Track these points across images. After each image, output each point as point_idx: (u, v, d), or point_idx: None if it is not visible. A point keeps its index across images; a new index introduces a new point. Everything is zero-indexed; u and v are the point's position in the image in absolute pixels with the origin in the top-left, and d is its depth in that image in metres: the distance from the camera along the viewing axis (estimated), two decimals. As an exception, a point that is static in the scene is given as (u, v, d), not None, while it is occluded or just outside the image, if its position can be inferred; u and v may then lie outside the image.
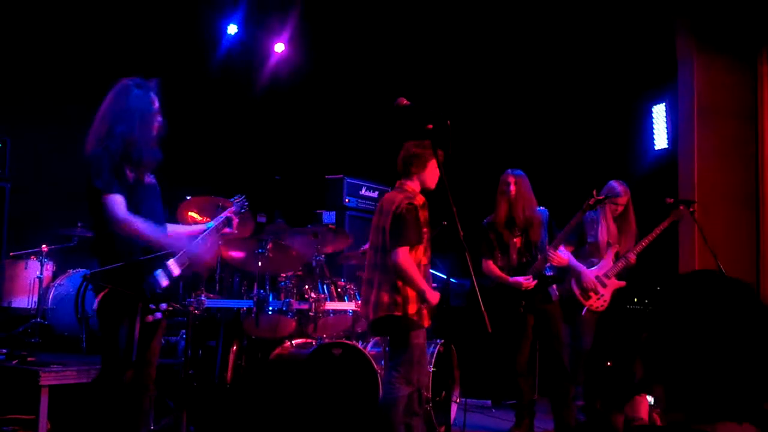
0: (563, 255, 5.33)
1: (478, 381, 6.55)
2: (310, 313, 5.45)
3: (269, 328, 5.48)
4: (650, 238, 5.60)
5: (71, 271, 6.68)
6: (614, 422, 5.00)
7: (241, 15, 8.41)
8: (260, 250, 5.43)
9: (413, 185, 4.52)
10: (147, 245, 3.67)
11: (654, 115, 7.45)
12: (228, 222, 4.25)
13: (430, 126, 3.94)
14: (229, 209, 4.41)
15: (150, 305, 3.63)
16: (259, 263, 5.46)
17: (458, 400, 5.79)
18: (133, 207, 3.69)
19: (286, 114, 8.94)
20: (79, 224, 6.55)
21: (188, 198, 5.64)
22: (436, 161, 4.39)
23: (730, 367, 1.38)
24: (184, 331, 5.59)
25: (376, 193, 8.01)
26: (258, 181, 8.02)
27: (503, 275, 5.38)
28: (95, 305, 3.65)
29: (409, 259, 4.28)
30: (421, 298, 4.32)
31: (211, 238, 4.14)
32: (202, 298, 5.20)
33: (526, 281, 5.28)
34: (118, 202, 3.62)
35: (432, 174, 4.54)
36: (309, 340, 5.49)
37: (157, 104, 4.05)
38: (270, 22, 8.61)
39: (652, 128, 7.46)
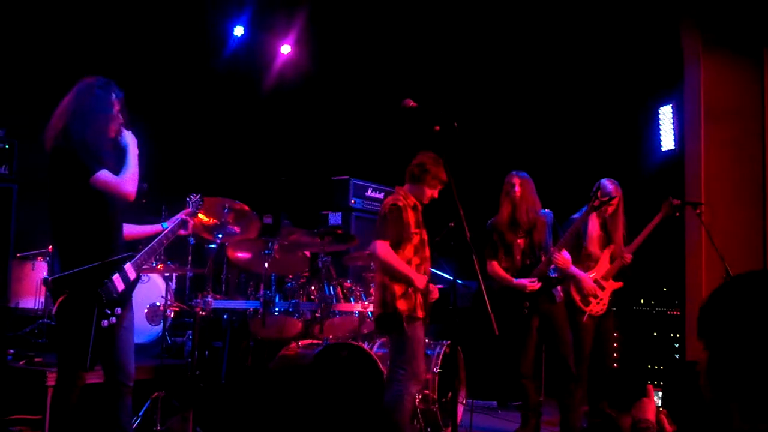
0: (567, 257, 5.32)
1: (484, 382, 6.54)
2: (317, 314, 5.45)
3: (276, 329, 5.49)
4: (644, 235, 5.59)
5: (78, 271, 6.69)
6: (621, 425, 5.00)
7: (247, 17, 8.42)
8: (267, 251, 5.44)
9: (404, 190, 4.76)
10: (108, 245, 3.73)
11: (661, 116, 7.43)
12: (183, 224, 4.30)
13: (437, 128, 3.93)
14: (183, 211, 4.42)
15: (106, 310, 3.65)
16: (266, 264, 5.46)
17: (464, 402, 5.79)
18: (85, 207, 3.68)
19: (292, 115, 8.95)
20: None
21: (195, 199, 5.65)
22: (437, 186, 4.72)
23: None
24: (190, 331, 5.60)
25: (382, 194, 8.01)
26: (264, 182, 8.04)
27: (508, 276, 5.37)
28: (53, 310, 3.64)
29: (388, 249, 4.50)
30: (409, 286, 4.50)
31: (166, 240, 4.19)
32: (209, 299, 5.22)
33: (531, 283, 5.27)
34: (107, 173, 3.66)
35: (425, 194, 4.74)
36: (315, 341, 5.49)
37: (117, 106, 3.94)
38: (276, 23, 8.62)
39: (659, 129, 7.45)
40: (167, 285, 6.48)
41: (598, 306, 5.57)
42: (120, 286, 3.73)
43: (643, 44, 7.40)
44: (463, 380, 5.82)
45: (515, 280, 5.32)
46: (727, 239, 6.14)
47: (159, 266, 6.07)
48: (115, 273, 3.73)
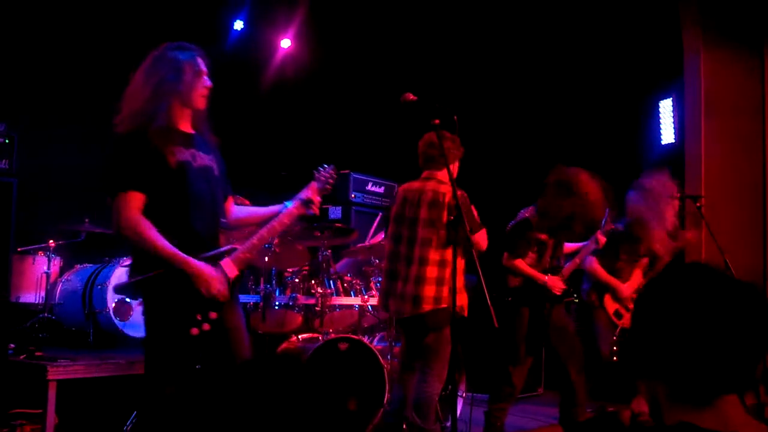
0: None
1: (483, 375, 6.55)
2: (317, 308, 5.46)
3: (276, 323, 5.49)
4: None
5: (78, 266, 6.71)
6: (621, 417, 4.99)
7: (247, 11, 8.41)
8: (267, 246, 5.44)
9: (444, 176, 4.39)
10: (191, 243, 3.17)
11: (661, 109, 7.43)
12: (305, 204, 3.55)
13: (437, 121, 3.92)
14: (309, 186, 3.62)
15: (197, 316, 3.14)
16: (266, 258, 5.47)
17: (464, 395, 5.79)
18: (167, 196, 3.19)
19: (292, 109, 8.94)
20: (87, 220, 6.57)
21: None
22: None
23: (725, 349, 1.38)
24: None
25: (383, 188, 8.01)
26: (264, 176, 8.04)
27: (538, 273, 5.12)
28: (144, 319, 3.16)
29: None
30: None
31: (280, 225, 3.50)
32: (209, 293, 5.21)
33: (560, 283, 5.19)
34: (129, 200, 3.12)
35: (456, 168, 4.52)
36: (315, 335, 5.50)
37: (204, 67, 3.48)
38: (276, 18, 8.61)
39: (659, 123, 7.45)
40: (167, 279, 6.48)
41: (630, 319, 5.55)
42: (214, 285, 3.17)
43: (643, 38, 7.39)
44: (462, 373, 5.83)
45: (547, 277, 5.12)
46: (726, 232, 6.14)
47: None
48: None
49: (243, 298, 5.62)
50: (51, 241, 6.45)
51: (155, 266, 3.09)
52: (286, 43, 8.74)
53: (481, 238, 4.36)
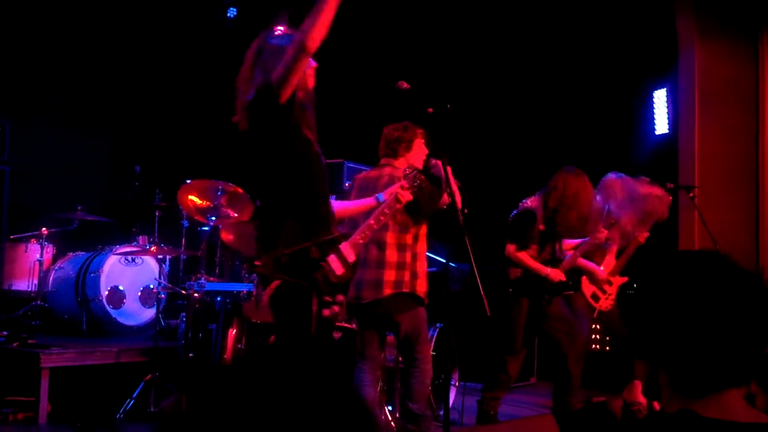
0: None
1: (475, 365, 6.56)
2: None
3: (268, 311, 5.47)
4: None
5: (71, 254, 6.69)
6: (612, 408, 5.00)
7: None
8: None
9: (400, 164, 4.49)
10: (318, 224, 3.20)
11: (655, 99, 7.43)
12: (398, 198, 3.75)
13: (431, 110, 3.91)
14: (399, 183, 3.86)
15: (326, 297, 3.17)
16: (259, 247, 5.45)
17: (457, 384, 5.81)
18: (304, 175, 3.24)
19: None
20: (80, 207, 6.56)
21: (188, 181, 5.65)
22: (422, 141, 4.51)
23: (730, 339, 1.37)
24: (184, 314, 5.60)
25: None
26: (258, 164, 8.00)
27: (541, 266, 5.12)
28: (264, 299, 3.16)
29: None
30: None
31: (384, 215, 3.67)
32: (202, 281, 5.21)
33: (561, 275, 5.19)
34: None
35: (419, 154, 4.56)
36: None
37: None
38: (270, 5, 8.56)
39: (653, 113, 7.45)
40: (161, 267, 6.48)
41: (606, 302, 5.60)
42: (339, 269, 3.21)
43: (638, 28, 7.38)
44: (455, 362, 5.84)
45: (549, 269, 5.11)
46: (719, 222, 6.16)
47: (152, 248, 6.06)
48: (330, 254, 3.22)
49: (236, 286, 5.62)
50: (44, 228, 6.44)
51: (288, 246, 3.09)
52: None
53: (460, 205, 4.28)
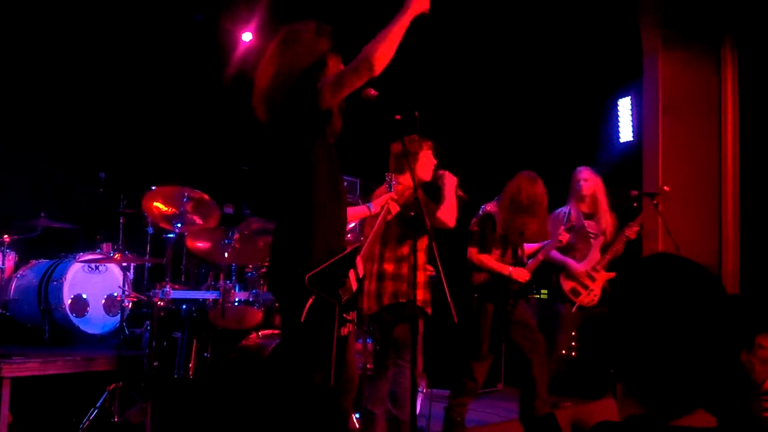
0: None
1: (443, 371, 6.57)
2: (277, 304, 5.42)
3: (235, 319, 5.45)
4: (639, 219, 5.71)
5: (34, 261, 6.59)
6: (559, 419, 5.03)
7: (208, 2, 8.32)
8: (226, 241, 5.40)
9: (404, 179, 4.55)
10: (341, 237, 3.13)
11: (620, 108, 7.53)
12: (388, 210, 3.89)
13: (398, 117, 3.93)
14: (387, 194, 3.98)
15: (344, 315, 3.03)
16: (225, 254, 5.42)
17: (424, 390, 5.81)
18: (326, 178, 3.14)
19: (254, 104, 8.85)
20: (43, 214, 6.46)
21: (153, 188, 5.59)
22: (429, 153, 4.67)
23: (691, 356, 1.34)
24: (148, 322, 5.55)
25: (345, 184, 7.97)
26: (225, 171, 7.97)
27: (504, 267, 5.16)
28: (302, 317, 2.90)
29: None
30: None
31: (379, 228, 3.81)
32: (167, 289, 5.16)
33: (526, 274, 5.21)
34: None
35: (427, 166, 4.69)
36: (276, 332, 5.47)
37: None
38: (237, 10, 8.53)
39: (618, 121, 7.54)
40: (125, 275, 6.39)
41: (588, 297, 5.63)
42: (354, 284, 3.11)
43: (603, 38, 7.46)
44: (423, 369, 5.84)
45: (510, 268, 5.15)
46: (683, 229, 6.24)
47: (116, 256, 5.99)
48: (350, 268, 3.11)
49: (202, 294, 5.58)
50: (6, 235, 6.33)
51: (320, 260, 2.95)
52: (247, 37, 8.66)
53: (444, 216, 4.48)
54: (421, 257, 4.49)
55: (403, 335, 4.47)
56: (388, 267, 4.48)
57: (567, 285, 5.68)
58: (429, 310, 4.59)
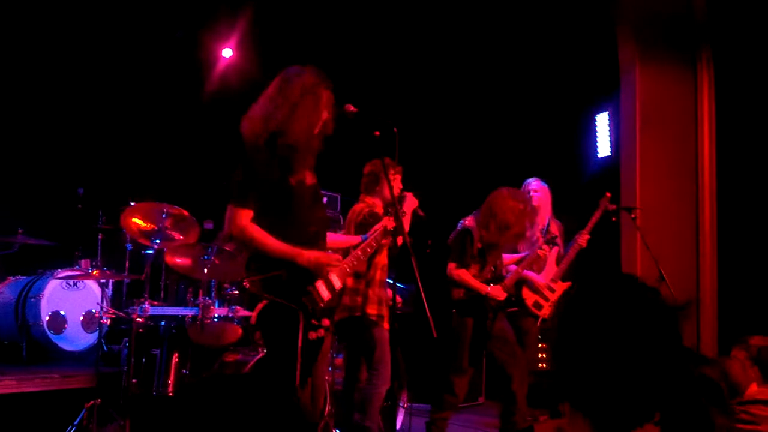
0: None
1: (424, 386, 6.57)
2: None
3: (214, 336, 5.41)
4: (590, 227, 5.73)
5: (11, 278, 6.53)
6: None
7: (187, 19, 8.32)
8: (206, 257, 5.38)
9: (372, 200, 4.96)
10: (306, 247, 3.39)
11: (597, 123, 7.60)
12: (387, 232, 4.04)
13: (377, 133, 3.95)
14: (387, 218, 4.17)
15: (312, 321, 3.35)
16: (205, 270, 5.39)
17: (405, 405, 5.80)
18: (273, 209, 3.40)
19: (235, 119, 8.84)
20: (20, 231, 6.40)
21: (132, 204, 5.56)
22: (391, 176, 4.68)
23: (635, 371, 1.36)
24: (127, 339, 5.50)
25: (325, 199, 7.97)
26: (205, 187, 7.95)
27: (481, 285, 5.16)
28: (252, 317, 3.35)
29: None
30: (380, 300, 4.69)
31: (370, 248, 3.90)
32: (146, 306, 5.12)
33: (502, 293, 5.24)
34: (240, 214, 3.37)
35: (386, 189, 4.81)
36: (256, 347, 5.44)
37: (325, 99, 3.66)
38: (217, 27, 8.54)
39: (596, 136, 7.61)
40: (103, 291, 6.36)
41: (549, 309, 5.65)
42: (326, 295, 3.42)
43: (581, 53, 7.54)
44: (404, 384, 5.84)
45: (489, 288, 5.16)
46: (661, 243, 6.29)
47: (94, 272, 5.95)
48: (318, 279, 3.42)
49: (181, 310, 5.54)
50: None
51: (275, 267, 3.30)
52: (227, 53, 8.67)
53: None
54: (378, 274, 4.71)
55: (367, 345, 4.66)
56: (347, 281, 4.54)
57: (530, 299, 5.69)
58: (386, 325, 4.70)
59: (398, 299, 4.60)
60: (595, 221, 5.72)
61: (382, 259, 4.79)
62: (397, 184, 4.87)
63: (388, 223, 4.09)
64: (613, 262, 6.87)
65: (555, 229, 5.91)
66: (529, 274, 5.66)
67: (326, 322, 3.41)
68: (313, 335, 3.34)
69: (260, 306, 3.31)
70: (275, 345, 3.43)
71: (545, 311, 5.64)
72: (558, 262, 5.77)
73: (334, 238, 4.08)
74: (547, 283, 5.69)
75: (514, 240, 5.29)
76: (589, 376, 1.39)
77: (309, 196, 3.58)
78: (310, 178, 3.62)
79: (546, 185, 5.98)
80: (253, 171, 3.40)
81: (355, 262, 3.73)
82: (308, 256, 3.35)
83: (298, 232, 3.42)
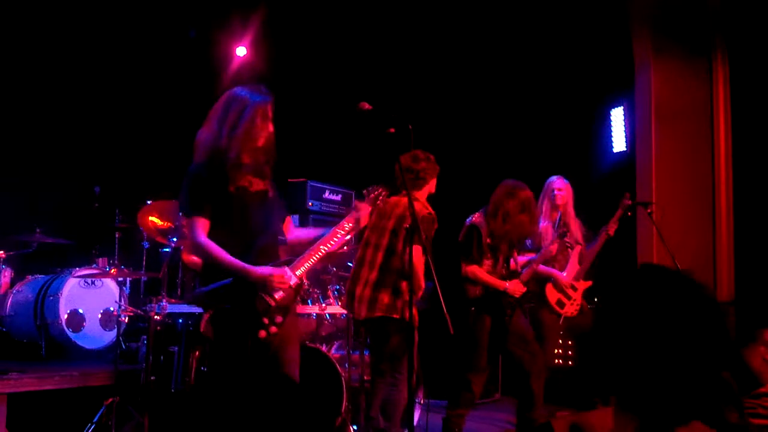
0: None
1: (440, 382, 6.57)
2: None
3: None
4: (616, 218, 5.73)
5: (30, 277, 6.58)
6: (555, 428, 5.04)
7: (201, 17, 8.35)
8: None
9: (421, 195, 4.74)
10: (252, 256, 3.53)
11: (612, 118, 7.56)
12: (357, 221, 3.94)
13: (392, 130, 3.96)
14: (358, 205, 4.02)
15: (263, 320, 3.50)
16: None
17: (422, 401, 5.81)
18: (225, 217, 3.56)
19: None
20: (38, 230, 6.46)
21: (149, 202, 5.60)
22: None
23: (683, 367, 1.34)
24: (145, 336, 5.54)
25: (340, 196, 7.99)
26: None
27: (497, 281, 5.16)
28: (201, 326, 3.60)
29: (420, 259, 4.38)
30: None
31: (337, 240, 3.83)
32: (163, 304, 5.16)
33: (521, 287, 5.23)
34: (198, 225, 3.53)
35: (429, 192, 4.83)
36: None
37: (269, 113, 3.75)
38: (232, 25, 8.57)
39: (611, 131, 7.58)
40: (121, 290, 6.40)
41: (572, 307, 5.65)
42: (278, 294, 3.56)
43: (595, 48, 7.51)
44: (420, 380, 5.84)
45: (507, 283, 5.15)
46: (677, 238, 6.27)
47: (112, 270, 5.99)
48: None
49: (198, 308, 5.57)
50: (1, 251, 6.33)
51: (224, 277, 3.48)
52: (241, 51, 8.69)
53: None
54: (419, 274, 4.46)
55: (398, 348, 4.50)
56: (389, 278, 4.53)
57: (553, 296, 5.68)
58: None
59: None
60: (618, 218, 5.74)
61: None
62: (433, 189, 4.88)
63: (353, 218, 3.94)
64: (629, 258, 6.85)
65: (577, 228, 5.88)
66: (553, 271, 5.65)
67: (279, 319, 3.54)
68: (263, 334, 3.49)
69: (206, 316, 3.56)
70: (222, 347, 3.61)
71: (567, 309, 5.64)
72: (580, 261, 5.76)
73: (298, 235, 4.00)
74: (570, 282, 5.68)
75: (522, 230, 5.21)
76: (637, 373, 1.38)
77: (255, 202, 3.68)
78: (257, 185, 3.71)
79: (569, 183, 5.93)
80: (200, 183, 3.60)
81: (315, 257, 3.73)
82: (259, 274, 3.49)
83: (240, 240, 3.57)
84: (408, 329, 4.34)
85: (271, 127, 3.73)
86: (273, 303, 3.53)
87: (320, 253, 3.73)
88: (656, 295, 1.41)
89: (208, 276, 3.56)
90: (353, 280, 4.71)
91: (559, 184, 5.92)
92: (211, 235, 3.54)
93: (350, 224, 3.84)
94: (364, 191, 4.04)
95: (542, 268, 5.66)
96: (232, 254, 3.49)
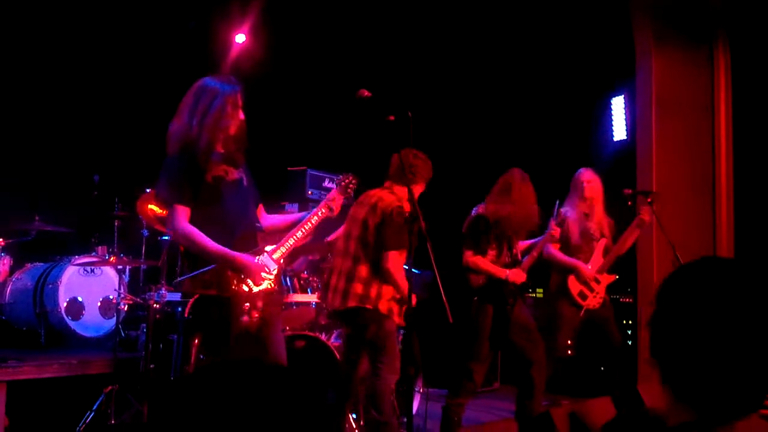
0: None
1: (439, 371, 6.59)
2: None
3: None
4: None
5: (29, 265, 6.58)
6: (555, 418, 5.03)
7: (200, 4, 8.32)
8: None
9: (402, 192, 4.59)
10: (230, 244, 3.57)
11: (613, 107, 7.55)
12: (330, 208, 4.01)
13: (392, 117, 3.94)
14: (332, 192, 4.08)
15: (245, 305, 3.57)
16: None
17: (421, 390, 5.82)
18: (203, 207, 3.60)
19: (247, 105, 8.85)
20: (37, 218, 6.44)
21: (148, 190, 5.58)
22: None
23: (747, 359, 1.32)
24: (144, 325, 5.54)
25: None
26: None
27: (499, 269, 5.15)
28: (186, 312, 3.60)
29: (398, 263, 4.42)
30: (400, 299, 4.50)
31: (310, 227, 3.92)
32: (163, 292, 5.16)
33: (521, 275, 5.22)
34: (179, 213, 3.56)
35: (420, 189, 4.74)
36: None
37: (239, 102, 3.86)
38: (231, 12, 8.53)
39: (612, 120, 7.56)
40: (120, 278, 6.40)
41: (594, 300, 5.63)
42: (259, 280, 3.65)
43: (596, 37, 7.49)
44: (420, 369, 5.85)
45: (508, 272, 5.14)
46: (677, 227, 6.26)
47: (111, 258, 5.98)
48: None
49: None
50: (0, 239, 6.31)
51: (206, 264, 3.53)
52: (240, 38, 8.66)
53: (385, 260, 4.44)
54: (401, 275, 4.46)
55: (375, 337, 4.50)
56: (362, 270, 4.50)
57: (575, 288, 5.65)
58: (396, 318, 4.58)
59: (414, 298, 4.42)
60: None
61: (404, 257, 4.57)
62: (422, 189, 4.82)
63: (325, 205, 4.00)
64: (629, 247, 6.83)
65: (605, 222, 5.83)
66: (578, 263, 5.63)
67: (259, 303, 3.61)
68: (246, 319, 3.57)
69: (191, 301, 3.58)
70: (206, 332, 3.72)
71: (590, 302, 5.61)
72: (605, 254, 5.73)
73: (273, 221, 4.05)
74: (594, 274, 5.66)
75: (526, 212, 5.19)
76: (700, 366, 1.35)
77: (232, 191, 3.71)
78: (232, 174, 3.75)
79: (598, 176, 5.86)
80: (178, 171, 3.66)
81: (290, 242, 3.82)
82: (243, 260, 3.55)
83: (220, 229, 3.60)
84: (380, 318, 4.42)
85: (242, 115, 3.81)
86: (255, 289, 3.60)
87: (295, 239, 3.84)
88: (721, 286, 1.39)
89: (191, 263, 3.59)
90: (330, 270, 4.72)
91: (587, 176, 5.83)
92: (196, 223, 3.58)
93: (323, 210, 3.92)
94: (336, 179, 4.13)
95: (567, 258, 5.64)
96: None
